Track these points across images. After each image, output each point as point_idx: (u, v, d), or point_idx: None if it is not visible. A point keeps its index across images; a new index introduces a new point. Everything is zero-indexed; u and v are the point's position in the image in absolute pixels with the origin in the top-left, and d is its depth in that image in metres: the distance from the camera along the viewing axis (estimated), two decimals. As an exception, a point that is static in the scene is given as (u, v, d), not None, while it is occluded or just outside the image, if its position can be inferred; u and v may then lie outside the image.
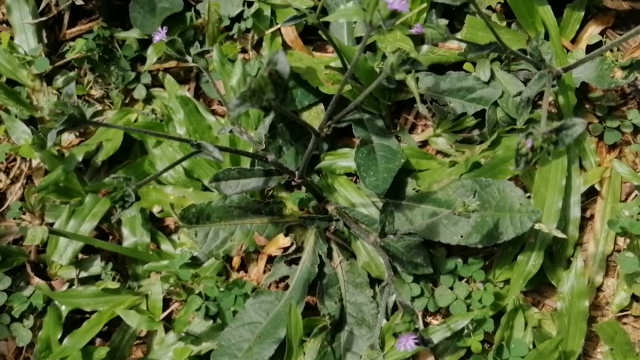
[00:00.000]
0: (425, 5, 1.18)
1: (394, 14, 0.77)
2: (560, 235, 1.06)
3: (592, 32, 1.21)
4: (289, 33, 1.26)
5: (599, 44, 1.21)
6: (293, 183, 1.15)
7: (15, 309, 1.21)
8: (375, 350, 0.95)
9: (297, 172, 1.10)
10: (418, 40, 1.20)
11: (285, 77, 0.74)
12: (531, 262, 1.10)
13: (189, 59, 1.01)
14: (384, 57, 1.19)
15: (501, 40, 0.98)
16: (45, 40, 1.36)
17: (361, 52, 0.85)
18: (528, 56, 1.03)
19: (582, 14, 1.20)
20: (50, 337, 1.18)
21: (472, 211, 0.94)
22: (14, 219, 1.29)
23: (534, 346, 1.08)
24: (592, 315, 1.13)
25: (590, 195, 1.17)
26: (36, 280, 1.24)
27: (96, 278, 1.24)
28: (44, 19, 1.34)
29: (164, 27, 1.00)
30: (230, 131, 1.09)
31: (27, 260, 1.25)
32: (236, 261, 1.21)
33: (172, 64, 1.33)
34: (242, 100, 0.74)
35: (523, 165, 0.82)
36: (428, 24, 0.93)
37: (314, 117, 1.21)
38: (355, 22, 1.24)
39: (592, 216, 1.17)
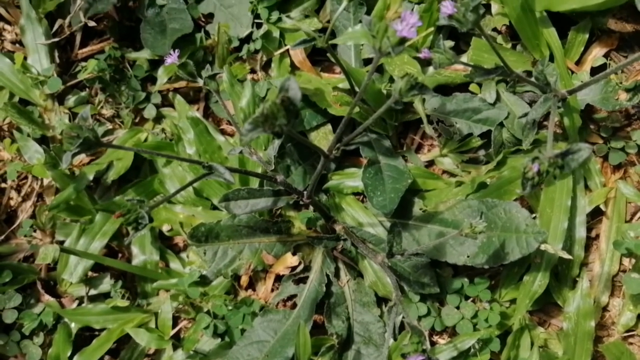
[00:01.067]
0: (432, 29, 1.20)
1: (403, 41, 0.79)
2: (566, 256, 1.07)
3: (597, 54, 1.23)
4: (298, 54, 1.28)
5: (603, 66, 1.22)
6: (301, 202, 1.16)
7: (25, 326, 1.22)
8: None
9: (305, 192, 1.11)
10: (424, 61, 1.22)
11: (297, 103, 0.76)
12: (537, 282, 1.11)
13: (200, 81, 1.03)
14: (391, 79, 1.21)
15: (507, 64, 0.99)
16: (58, 60, 1.38)
17: (370, 77, 0.87)
18: (533, 79, 1.05)
19: (587, 36, 1.22)
20: (60, 354, 1.19)
21: (479, 232, 0.95)
22: (25, 236, 1.30)
23: (541, 366, 1.09)
24: (598, 335, 1.13)
25: (596, 215, 1.18)
26: (46, 297, 1.26)
27: (106, 296, 1.25)
28: (56, 39, 1.36)
29: (176, 50, 1.02)
30: (240, 152, 1.11)
31: (37, 278, 1.27)
32: (244, 280, 1.22)
33: (182, 84, 1.35)
34: (254, 125, 0.75)
35: (529, 188, 0.83)
36: (435, 48, 0.95)
37: (322, 137, 1.23)
38: (362, 44, 1.26)
39: (597, 236, 1.18)
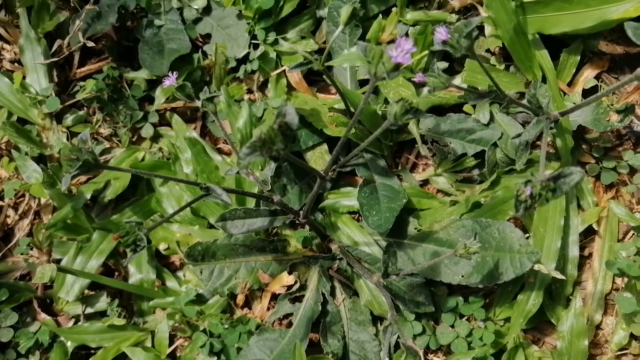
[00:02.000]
0: (426, 51, 1.22)
1: (398, 67, 0.81)
2: (559, 276, 1.09)
3: (588, 75, 1.25)
4: (294, 75, 1.29)
5: (594, 87, 1.24)
6: (297, 222, 1.17)
7: (21, 345, 1.22)
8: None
9: (301, 212, 1.12)
10: (419, 83, 1.23)
11: (294, 127, 0.78)
12: (531, 301, 1.12)
13: (198, 102, 1.04)
14: (386, 100, 1.22)
15: (500, 88, 1.01)
16: (56, 79, 1.39)
17: (366, 101, 0.88)
18: (526, 102, 1.07)
19: (578, 58, 1.24)
20: (56, 373, 1.20)
21: (473, 253, 0.96)
22: (22, 254, 1.30)
23: (535, 385, 1.10)
24: (592, 354, 1.14)
25: (588, 234, 1.20)
26: (42, 316, 1.26)
27: (102, 314, 1.26)
28: (55, 59, 1.37)
29: (174, 72, 1.03)
30: (237, 172, 1.12)
31: (34, 296, 1.27)
32: (240, 298, 1.23)
33: (179, 103, 1.36)
34: (252, 149, 0.77)
35: (522, 211, 0.84)
36: (430, 72, 0.97)
37: (318, 157, 1.24)
38: (358, 66, 1.27)
39: (590, 255, 1.20)
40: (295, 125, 0.77)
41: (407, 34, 1.25)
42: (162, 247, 1.27)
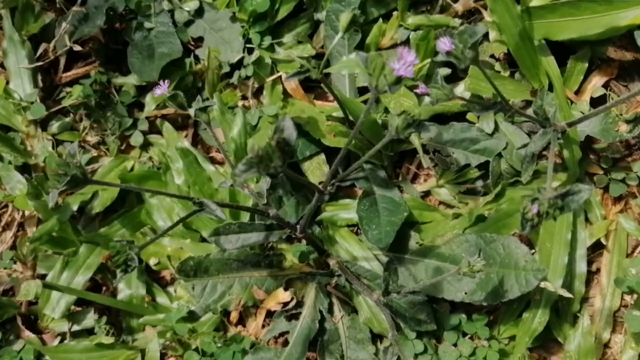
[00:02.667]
0: (428, 59, 1.17)
1: (400, 80, 0.77)
2: (567, 294, 1.05)
3: (596, 83, 1.21)
4: (290, 82, 1.25)
5: (602, 95, 1.20)
6: (293, 236, 1.13)
7: (4, 364, 1.18)
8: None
9: (298, 227, 1.08)
10: (421, 91, 1.19)
11: (292, 143, 0.74)
12: (537, 319, 1.09)
13: (191, 111, 0.99)
14: (386, 109, 1.18)
15: (504, 97, 0.97)
16: (41, 84, 1.33)
17: (367, 113, 0.84)
18: (532, 114, 1.02)
19: (586, 65, 1.20)
20: (41, 394, 1.15)
21: (477, 271, 0.92)
22: (5, 269, 1.25)
23: (541, 407, 1.06)
24: (600, 374, 1.11)
25: (596, 248, 1.16)
26: (27, 333, 1.21)
27: (89, 332, 1.21)
28: (40, 63, 1.32)
29: (165, 80, 0.99)
30: (231, 184, 1.07)
31: (17, 313, 1.22)
32: (234, 316, 1.18)
33: (170, 110, 1.31)
34: (248, 166, 0.73)
35: (529, 229, 0.81)
36: (432, 83, 0.92)
37: (316, 167, 1.19)
38: (357, 72, 1.23)
39: (598, 270, 1.16)
40: (294, 140, 0.73)
41: (408, 40, 1.20)
42: (152, 261, 1.22)
